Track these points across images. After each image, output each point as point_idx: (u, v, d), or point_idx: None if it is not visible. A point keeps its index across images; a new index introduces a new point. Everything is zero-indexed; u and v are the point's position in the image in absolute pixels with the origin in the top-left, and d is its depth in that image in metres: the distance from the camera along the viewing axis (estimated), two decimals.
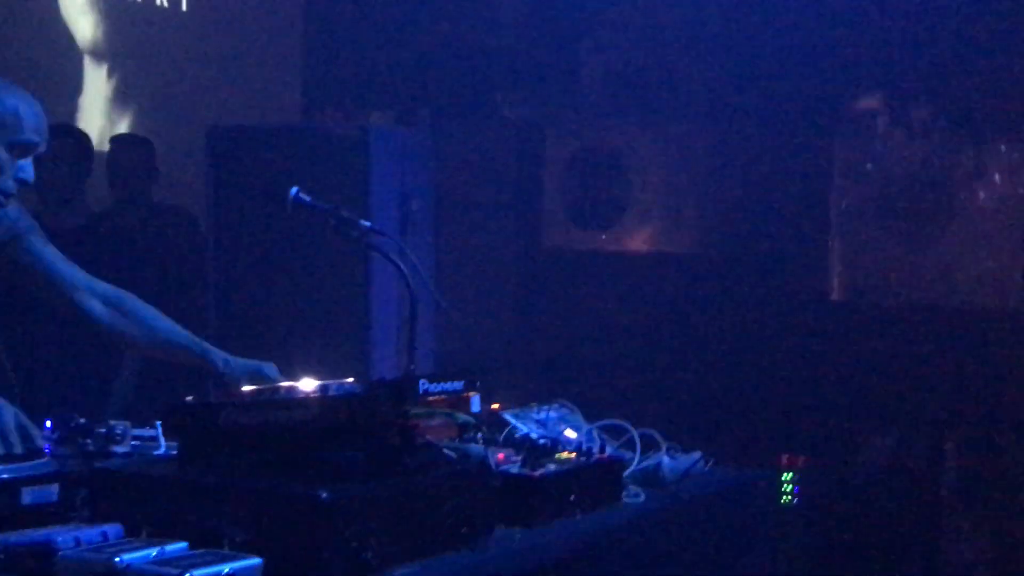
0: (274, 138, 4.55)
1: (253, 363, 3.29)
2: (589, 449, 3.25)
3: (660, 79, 7.71)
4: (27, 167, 3.10)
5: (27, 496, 2.59)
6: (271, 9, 7.74)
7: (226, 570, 2.28)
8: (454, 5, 7.56)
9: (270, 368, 3.28)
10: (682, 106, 7.64)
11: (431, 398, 2.73)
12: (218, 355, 3.35)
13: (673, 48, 7.69)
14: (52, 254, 3.36)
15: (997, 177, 7.02)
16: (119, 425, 2.94)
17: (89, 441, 2.92)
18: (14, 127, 3.04)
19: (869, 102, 7.27)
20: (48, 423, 2.99)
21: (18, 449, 2.76)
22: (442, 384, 2.76)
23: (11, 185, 3.09)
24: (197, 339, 3.38)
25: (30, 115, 3.08)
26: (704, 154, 7.50)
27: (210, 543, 2.40)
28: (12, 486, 2.57)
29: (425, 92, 6.83)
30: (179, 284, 5.07)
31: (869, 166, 7.19)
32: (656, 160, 7.57)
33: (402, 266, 3.49)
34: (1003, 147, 6.99)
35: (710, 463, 3.68)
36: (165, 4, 7.24)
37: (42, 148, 3.12)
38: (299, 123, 7.02)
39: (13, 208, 3.27)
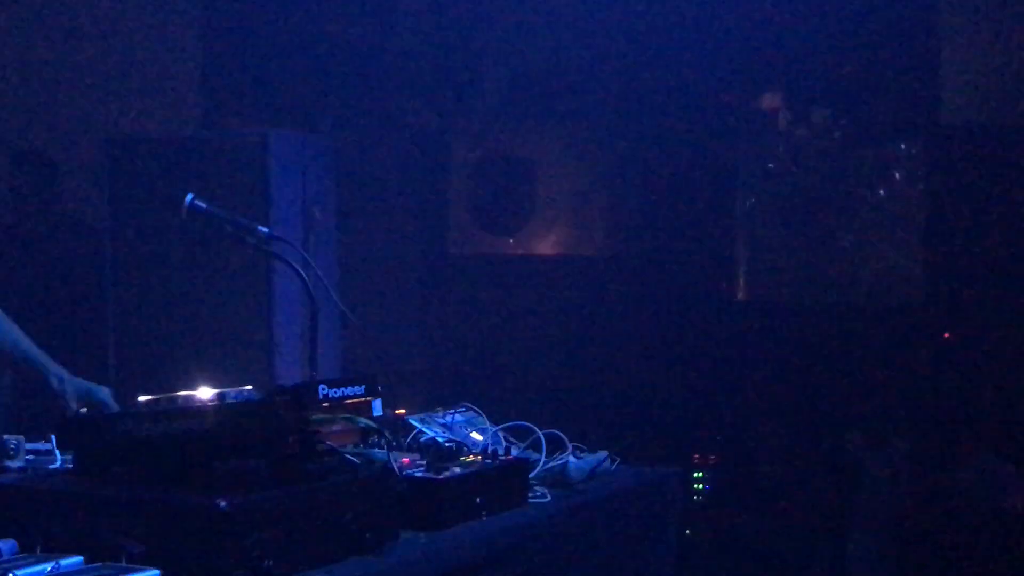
0: (173, 148, 4.48)
1: (86, 384, 3.22)
2: (495, 451, 3.24)
3: (563, 83, 7.74)
4: None
5: None
6: (168, 19, 7.66)
7: None
8: (355, 13, 7.52)
9: (102, 392, 3.21)
10: (586, 109, 7.67)
11: (332, 403, 2.70)
12: (55, 372, 3.27)
13: (575, 51, 7.72)
14: None
15: (897, 175, 7.15)
16: (12, 439, 2.87)
17: None
18: None
19: (771, 102, 7.36)
20: None
21: None
22: (342, 389, 2.74)
23: None
24: (40, 353, 3.31)
25: None
26: (609, 157, 7.54)
27: (107, 556, 2.36)
28: None
29: (326, 100, 6.79)
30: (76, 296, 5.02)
31: (771, 166, 7.28)
32: (561, 164, 7.59)
33: (303, 274, 3.46)
34: (903, 145, 7.12)
35: (616, 462, 3.69)
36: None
37: None
38: (198, 132, 6.95)
39: None
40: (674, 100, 7.32)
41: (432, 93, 7.37)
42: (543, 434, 3.48)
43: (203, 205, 3.37)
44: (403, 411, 3.51)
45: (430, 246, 5.56)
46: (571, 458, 3.50)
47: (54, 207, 5.83)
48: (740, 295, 7.19)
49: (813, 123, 7.28)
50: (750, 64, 7.21)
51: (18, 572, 2.22)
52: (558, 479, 3.44)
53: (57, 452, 2.90)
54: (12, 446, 2.85)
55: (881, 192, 7.15)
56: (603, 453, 3.65)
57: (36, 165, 5.97)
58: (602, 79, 7.58)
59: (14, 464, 2.84)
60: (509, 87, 7.67)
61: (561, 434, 3.54)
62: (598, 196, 7.53)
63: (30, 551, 2.39)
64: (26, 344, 3.27)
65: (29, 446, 2.91)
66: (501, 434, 3.46)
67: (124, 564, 2.33)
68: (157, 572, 2.30)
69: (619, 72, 7.50)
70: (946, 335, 6.77)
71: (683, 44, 7.20)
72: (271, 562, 2.43)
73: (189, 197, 3.37)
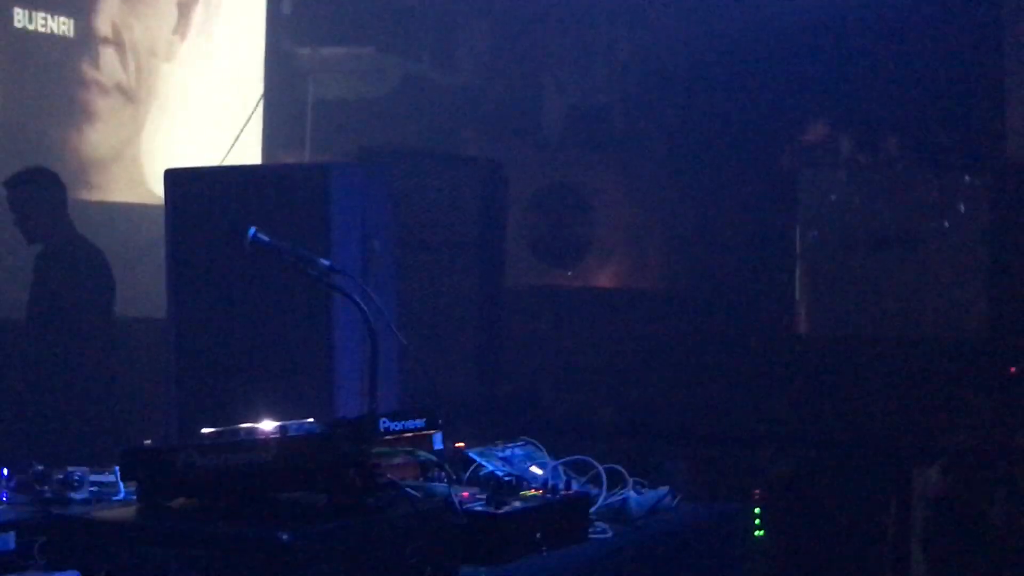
0: (233, 179, 4.51)
1: None
2: (555, 486, 3.21)
3: (621, 116, 7.74)
4: None
5: None
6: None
7: None
8: (416, 45, 7.57)
9: None
10: (644, 142, 7.67)
11: (392, 437, 2.69)
12: None
13: (634, 85, 7.72)
14: None
15: (961, 207, 7.07)
16: (77, 471, 2.89)
17: (47, 488, 2.86)
18: None
19: (832, 133, 7.32)
20: (4, 470, 2.94)
21: None
22: (403, 422, 2.72)
23: None
24: None
25: None
26: (668, 189, 7.53)
27: None
28: None
29: (386, 130, 6.83)
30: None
31: (833, 197, 7.22)
32: (619, 197, 7.58)
33: (363, 305, 3.46)
34: (967, 177, 7.05)
35: (678, 498, 3.65)
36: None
37: None
38: (258, 164, 7.01)
39: None
40: (734, 131, 7.29)
41: (491, 125, 7.40)
42: (603, 469, 3.45)
43: (266, 238, 3.39)
44: (462, 444, 3.50)
45: (488, 278, 5.57)
46: (632, 493, 3.46)
47: None
48: (801, 329, 7.12)
49: (875, 154, 7.22)
50: (811, 95, 7.17)
51: None
52: (619, 515, 3.40)
53: (120, 484, 2.91)
54: (76, 478, 2.87)
55: (945, 224, 7.07)
56: (664, 489, 3.61)
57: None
58: (661, 110, 7.57)
59: (78, 496, 2.85)
60: (567, 119, 7.68)
61: (621, 469, 3.51)
62: (657, 229, 7.52)
63: None
64: None
65: (93, 478, 2.93)
66: (561, 468, 3.43)
67: None
68: None
69: (678, 103, 7.49)
70: (1012, 369, 6.67)
71: (744, 74, 7.18)
72: None
73: (252, 231, 3.38)
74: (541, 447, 3.59)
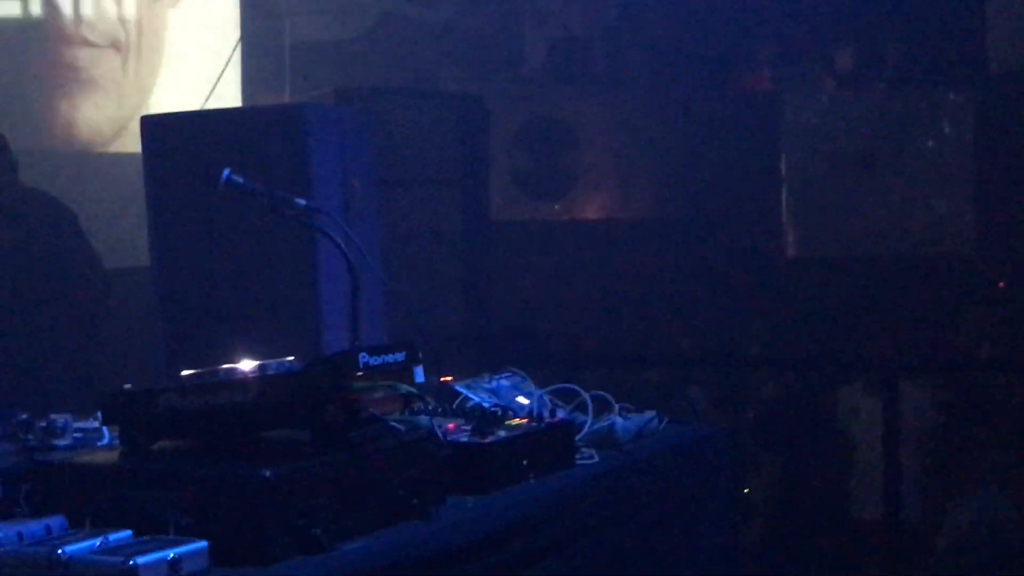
0: (210, 124, 4.48)
1: None
2: (540, 414, 3.23)
3: (603, 46, 7.69)
4: None
5: None
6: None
7: (171, 555, 2.26)
8: None
9: None
10: (626, 72, 7.62)
11: (373, 371, 2.70)
12: None
13: (614, 14, 7.67)
14: None
15: (945, 125, 7.05)
16: (60, 418, 2.90)
17: (30, 436, 2.87)
18: None
19: (813, 56, 7.27)
20: None
21: None
22: (383, 356, 2.72)
23: None
24: None
25: None
26: (652, 119, 7.49)
27: (155, 529, 2.37)
28: None
29: (365, 70, 6.78)
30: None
31: (815, 120, 7.19)
32: (604, 128, 7.55)
33: (342, 244, 3.45)
34: (951, 95, 7.01)
35: (664, 422, 3.67)
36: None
37: None
38: (235, 108, 6.94)
39: None
40: (714, 58, 7.25)
41: (471, 60, 7.35)
42: (589, 396, 3.46)
43: (240, 180, 3.37)
44: (449, 378, 3.51)
45: (473, 213, 5.56)
46: (618, 419, 3.48)
47: None
48: (790, 252, 7.12)
49: (857, 76, 7.18)
50: (790, 17, 7.12)
51: (68, 548, 2.25)
52: (605, 440, 3.43)
53: (104, 429, 2.92)
54: (60, 425, 2.87)
55: (930, 142, 7.04)
56: (650, 413, 3.63)
57: None
58: (642, 39, 7.52)
59: (62, 443, 2.86)
60: (549, 52, 7.63)
61: (607, 396, 3.53)
62: (642, 159, 7.48)
63: (79, 527, 2.41)
64: None
65: (77, 424, 2.93)
66: (547, 397, 3.44)
67: (172, 536, 2.34)
68: (205, 544, 2.32)
69: (658, 32, 7.44)
70: (1001, 284, 6.68)
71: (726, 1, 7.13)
72: (319, 530, 2.43)
73: (226, 172, 3.37)
74: (527, 377, 3.60)
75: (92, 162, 7.01)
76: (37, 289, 5.96)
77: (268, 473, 2.39)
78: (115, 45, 6.68)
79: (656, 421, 3.61)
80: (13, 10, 6.47)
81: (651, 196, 7.50)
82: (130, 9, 6.81)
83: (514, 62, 7.49)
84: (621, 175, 7.56)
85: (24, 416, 2.92)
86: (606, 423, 3.45)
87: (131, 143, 7.11)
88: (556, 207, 7.35)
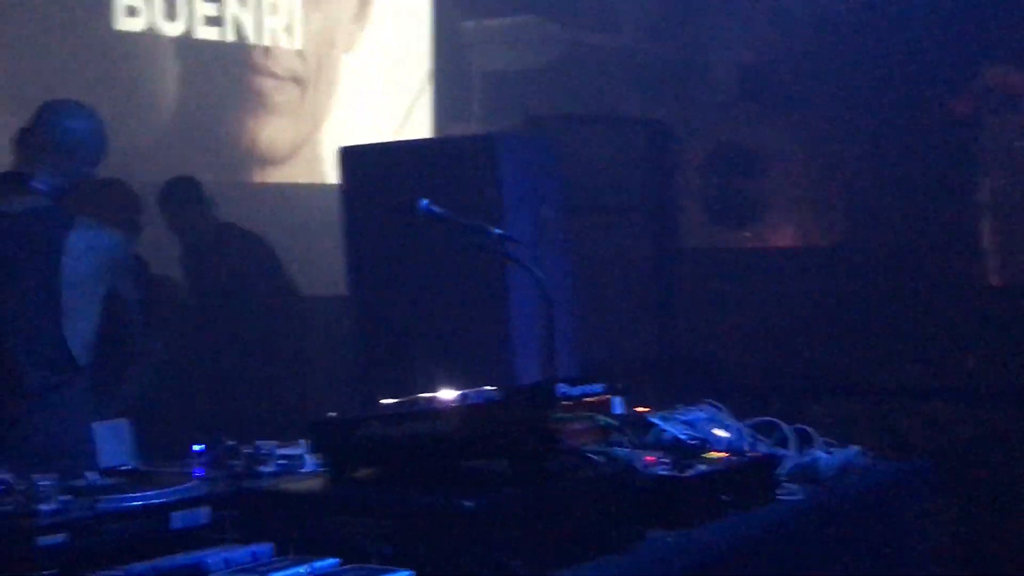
0: (404, 154, 4.54)
1: None
2: (740, 448, 3.16)
3: (790, 69, 7.56)
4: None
5: (177, 520, 2.60)
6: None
7: None
8: (577, 11, 7.52)
9: None
10: (817, 96, 7.47)
11: (571, 402, 2.67)
12: None
13: (803, 38, 7.53)
14: None
15: None
16: (265, 445, 2.94)
17: (237, 462, 2.92)
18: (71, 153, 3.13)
19: (1013, 76, 7.02)
20: (198, 446, 3.01)
21: None
22: (582, 387, 2.70)
23: None
24: None
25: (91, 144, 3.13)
26: (843, 143, 7.33)
27: (358, 557, 2.38)
28: (161, 511, 2.59)
29: (552, 98, 6.80)
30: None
31: (1018, 144, 6.93)
32: (793, 153, 7.42)
33: (537, 273, 3.45)
34: None
35: (870, 457, 3.55)
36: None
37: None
38: (428, 138, 7.06)
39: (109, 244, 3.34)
40: (909, 81, 7.05)
41: (657, 87, 7.31)
42: (791, 429, 3.38)
43: (437, 210, 3.40)
44: (644, 409, 3.46)
45: (661, 241, 5.50)
46: (821, 453, 3.38)
47: None
48: (993, 280, 6.86)
49: None
50: (987, 36, 6.89)
51: (275, 575, 2.26)
52: (807, 475, 3.33)
53: (306, 456, 2.96)
54: (265, 452, 2.92)
55: None
56: (855, 448, 3.51)
57: None
58: (831, 64, 7.37)
59: (267, 469, 2.90)
60: (735, 77, 7.55)
61: (810, 429, 3.43)
62: (834, 184, 7.33)
63: (285, 554, 2.43)
64: None
65: (280, 451, 2.98)
66: (746, 430, 3.37)
67: (377, 565, 2.35)
68: (410, 574, 2.31)
69: (850, 56, 7.27)
70: None
71: (918, 23, 6.94)
72: (519, 562, 2.41)
73: (423, 203, 3.41)
74: (724, 409, 3.53)
75: (280, 192, 7.26)
76: (238, 320, 6.16)
77: (470, 504, 2.38)
78: (295, 78, 7.27)
79: (861, 456, 3.49)
80: (211, 34, 6.84)
81: (844, 222, 7.34)
82: (309, 46, 7.33)
83: (701, 87, 7.43)
84: (812, 201, 7.41)
85: (230, 443, 2.97)
86: (808, 457, 3.35)
87: (310, 173, 7.44)
88: (745, 234, 7.24)
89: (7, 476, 2.53)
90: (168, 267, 6.25)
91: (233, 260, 6.27)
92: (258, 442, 2.95)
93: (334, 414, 2.85)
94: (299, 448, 2.98)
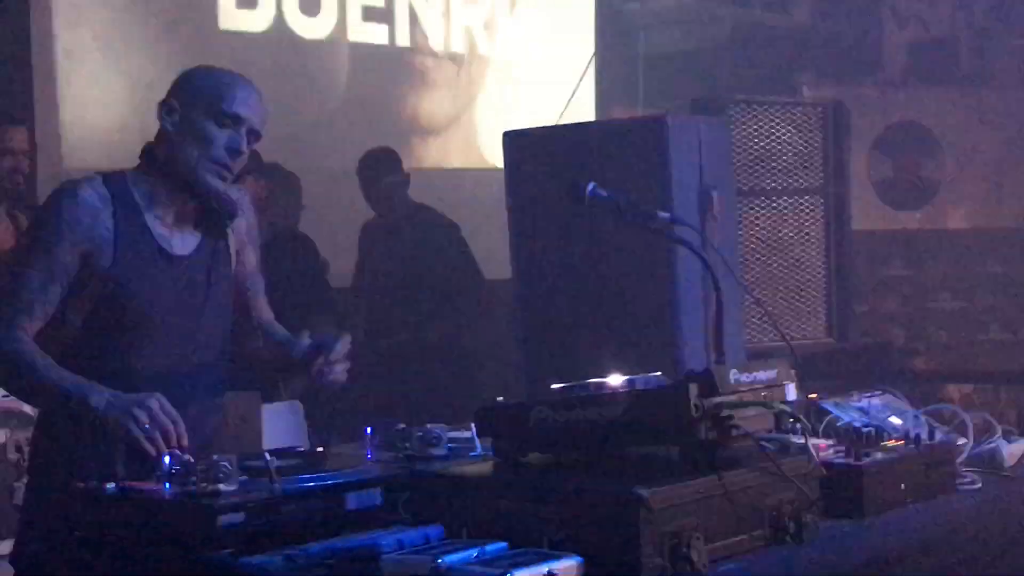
0: (569, 137, 4.52)
1: (135, 398, 2.89)
2: (917, 436, 3.07)
3: (967, 46, 7.32)
4: (237, 139, 3.06)
5: (352, 501, 2.65)
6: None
7: (546, 569, 2.26)
8: None
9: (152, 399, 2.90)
10: (993, 73, 7.22)
11: (743, 389, 2.63)
12: (97, 395, 2.92)
13: (980, 13, 7.28)
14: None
15: None
16: (435, 428, 2.97)
17: (408, 445, 2.96)
18: (217, 98, 3.03)
19: None
20: (369, 428, 3.06)
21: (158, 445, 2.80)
22: (754, 374, 2.65)
23: (223, 155, 3.04)
24: (74, 379, 2.97)
25: (238, 91, 3.06)
26: (1021, 120, 7.07)
27: (528, 542, 2.38)
28: (337, 492, 2.63)
29: (720, 79, 6.71)
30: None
31: None
32: (969, 132, 7.18)
33: (705, 257, 3.40)
34: None
35: None
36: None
37: (255, 125, 3.08)
38: (593, 121, 7.04)
39: (248, 209, 3.28)
40: None
41: (829, 65, 7.15)
42: (969, 416, 3.27)
43: (604, 193, 3.38)
44: (815, 395, 3.39)
45: (835, 223, 5.37)
46: (1002, 441, 3.27)
47: None
48: None
49: None
50: None
51: (447, 558, 2.28)
52: (988, 465, 3.22)
53: (476, 440, 2.97)
54: (436, 435, 2.94)
55: None
56: None
57: None
58: (1007, 40, 7.12)
59: (438, 452, 2.93)
60: (910, 54, 7.34)
61: (989, 416, 3.32)
62: (1010, 164, 7.07)
63: (456, 536, 2.45)
64: (56, 373, 2.96)
65: (450, 434, 3.00)
66: (923, 417, 3.27)
67: (546, 550, 2.34)
68: (580, 559, 2.30)
69: None
70: None
71: None
72: (691, 550, 2.38)
73: (591, 186, 3.38)
74: (900, 396, 3.44)
75: (449, 178, 7.39)
76: (423, 300, 6.25)
77: (642, 491, 2.36)
78: (452, 57, 7.86)
79: None
80: (382, 38, 7.43)
81: (1021, 204, 7.07)
82: (470, 24, 7.97)
83: (874, 66, 7.24)
84: (988, 182, 7.17)
85: (402, 425, 3.01)
86: (989, 446, 3.24)
87: (465, 145, 7.64)
88: (918, 216, 7.05)
89: (188, 456, 2.60)
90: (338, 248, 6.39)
91: (425, 239, 6.37)
92: (428, 425, 2.98)
93: (501, 399, 2.85)
94: (468, 431, 2.99)
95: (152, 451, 2.81)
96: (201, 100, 3.05)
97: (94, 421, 2.90)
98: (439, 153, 7.85)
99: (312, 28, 7.28)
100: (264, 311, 3.41)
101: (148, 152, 3.12)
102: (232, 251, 3.24)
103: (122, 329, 3.03)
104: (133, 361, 3.04)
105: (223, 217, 3.12)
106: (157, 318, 3.05)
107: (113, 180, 3.08)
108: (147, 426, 2.84)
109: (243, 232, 3.29)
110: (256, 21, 7.05)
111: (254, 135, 3.10)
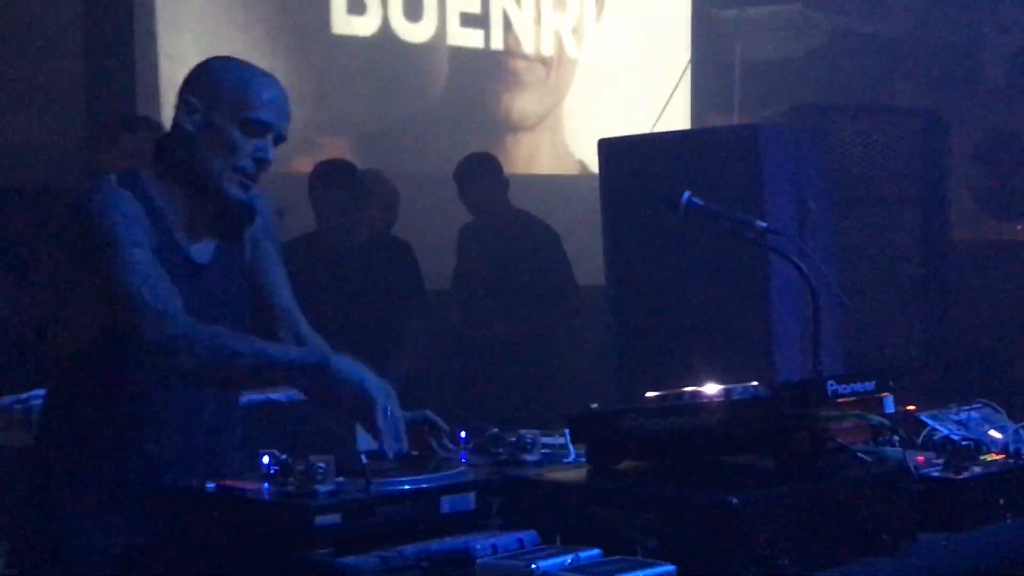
0: (664, 145, 4.53)
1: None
2: (1017, 450, 3.02)
3: None
4: (264, 147, 2.87)
5: (446, 505, 2.66)
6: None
7: None
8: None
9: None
10: None
11: (841, 400, 2.61)
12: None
13: None
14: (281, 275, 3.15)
15: None
16: (529, 434, 2.97)
17: (501, 450, 2.97)
18: (243, 102, 2.85)
19: None
20: (463, 432, 3.07)
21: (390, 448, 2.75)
22: (852, 385, 2.62)
23: (248, 164, 2.85)
24: None
25: (264, 93, 2.87)
26: None
27: (622, 549, 2.39)
28: (433, 495, 2.65)
29: (816, 87, 6.65)
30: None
31: None
32: None
33: (802, 266, 3.37)
34: None
35: None
36: None
37: (282, 131, 2.90)
38: (688, 129, 7.03)
39: (265, 207, 3.06)
40: None
41: (927, 74, 7.06)
42: None
43: (701, 202, 3.37)
44: (913, 407, 3.35)
45: (933, 234, 5.31)
46: None
47: None
48: None
49: None
50: None
51: (541, 563, 2.29)
52: None
53: (570, 446, 2.97)
54: (529, 440, 2.95)
55: None
56: None
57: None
58: None
59: (531, 458, 2.93)
60: (1011, 62, 7.21)
61: None
62: None
63: (550, 543, 2.46)
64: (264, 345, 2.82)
65: (544, 440, 3.00)
66: (1023, 431, 3.21)
67: (640, 558, 2.34)
68: (672, 568, 2.30)
69: None
70: None
71: None
72: (785, 561, 2.37)
73: (686, 195, 3.38)
74: (1000, 410, 3.38)
75: (541, 183, 7.45)
76: (517, 303, 6.28)
77: (735, 500, 2.35)
78: (541, 60, 8.10)
79: None
80: (478, 42, 7.73)
81: None
82: (559, 28, 8.21)
83: (973, 74, 7.13)
84: None
85: (495, 430, 3.02)
86: None
87: (553, 142, 7.75)
88: (1019, 227, 6.93)
89: (285, 456, 2.62)
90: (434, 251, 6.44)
91: (523, 243, 6.39)
92: (521, 431, 2.99)
93: (595, 405, 2.86)
94: (561, 438, 3.00)
95: (382, 443, 2.74)
96: (224, 101, 2.86)
97: (326, 391, 2.74)
98: (529, 150, 7.98)
99: (415, 33, 7.43)
100: (288, 302, 3.14)
101: (164, 151, 2.92)
102: (247, 248, 3.05)
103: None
104: (147, 374, 2.83)
105: (242, 225, 2.96)
106: None
107: (128, 181, 2.86)
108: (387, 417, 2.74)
109: (258, 228, 3.05)
110: (364, 26, 7.19)
111: (280, 140, 2.92)
